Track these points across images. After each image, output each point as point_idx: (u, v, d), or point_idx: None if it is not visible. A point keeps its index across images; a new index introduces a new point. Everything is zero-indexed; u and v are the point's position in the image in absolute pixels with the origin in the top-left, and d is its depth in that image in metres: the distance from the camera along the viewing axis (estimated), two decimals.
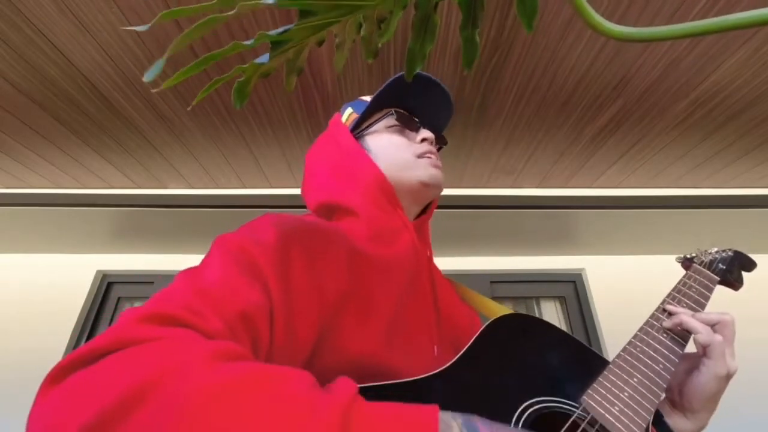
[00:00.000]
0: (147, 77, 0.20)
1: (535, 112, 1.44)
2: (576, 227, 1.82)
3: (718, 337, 0.47)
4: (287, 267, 0.38)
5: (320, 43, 0.24)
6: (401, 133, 0.60)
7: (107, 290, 2.01)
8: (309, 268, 0.40)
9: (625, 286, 2.00)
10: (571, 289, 2.07)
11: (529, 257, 2.10)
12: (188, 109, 1.17)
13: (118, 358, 0.25)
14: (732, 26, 0.15)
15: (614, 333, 1.86)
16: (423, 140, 0.59)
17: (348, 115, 0.62)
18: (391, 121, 0.60)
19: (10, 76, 1.23)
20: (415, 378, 0.38)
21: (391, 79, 0.57)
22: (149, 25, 0.20)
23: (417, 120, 0.63)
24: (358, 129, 0.61)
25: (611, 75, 1.27)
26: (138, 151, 1.61)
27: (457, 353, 0.54)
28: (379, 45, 0.27)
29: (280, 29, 0.22)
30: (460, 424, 0.26)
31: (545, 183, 1.90)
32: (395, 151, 0.57)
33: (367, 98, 0.62)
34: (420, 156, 0.58)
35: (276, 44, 0.22)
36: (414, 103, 0.62)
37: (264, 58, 0.22)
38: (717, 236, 1.87)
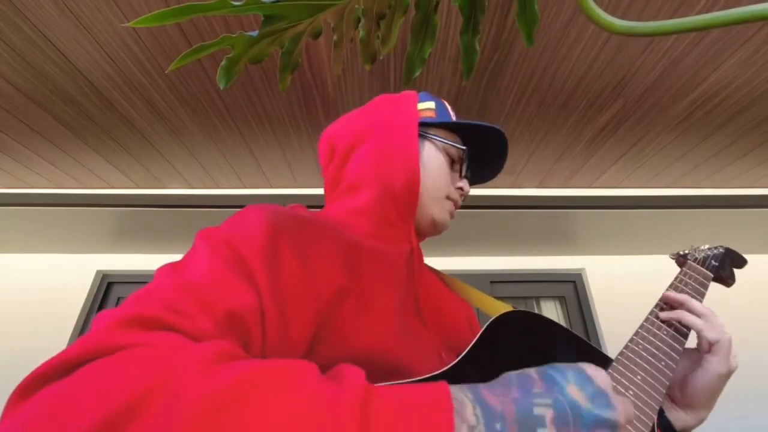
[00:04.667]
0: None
1: (535, 112, 1.44)
2: (576, 227, 1.82)
3: (728, 335, 0.47)
4: (277, 262, 0.36)
5: (316, 36, 0.24)
6: (451, 166, 0.59)
7: (107, 290, 2.01)
8: (301, 263, 0.38)
9: (625, 286, 1.99)
10: (571, 289, 2.07)
11: (529, 257, 2.10)
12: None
13: (97, 369, 0.22)
14: (734, 20, 0.15)
15: (614, 333, 1.86)
16: (460, 188, 0.59)
17: (426, 107, 0.59)
18: (457, 153, 0.58)
19: (10, 76, 1.23)
20: (418, 379, 0.37)
21: (485, 125, 0.57)
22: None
23: (468, 170, 0.63)
24: (425, 127, 0.58)
25: (611, 75, 1.27)
26: (138, 151, 1.61)
27: (450, 348, 0.52)
28: (380, 56, 0.27)
29: None
30: (471, 399, 0.26)
31: (545, 183, 1.90)
32: (438, 176, 0.56)
33: (450, 109, 0.61)
34: (449, 198, 0.58)
35: (269, 18, 0.21)
36: (475, 149, 0.62)
37: (255, 33, 0.22)
38: (717, 236, 1.87)
